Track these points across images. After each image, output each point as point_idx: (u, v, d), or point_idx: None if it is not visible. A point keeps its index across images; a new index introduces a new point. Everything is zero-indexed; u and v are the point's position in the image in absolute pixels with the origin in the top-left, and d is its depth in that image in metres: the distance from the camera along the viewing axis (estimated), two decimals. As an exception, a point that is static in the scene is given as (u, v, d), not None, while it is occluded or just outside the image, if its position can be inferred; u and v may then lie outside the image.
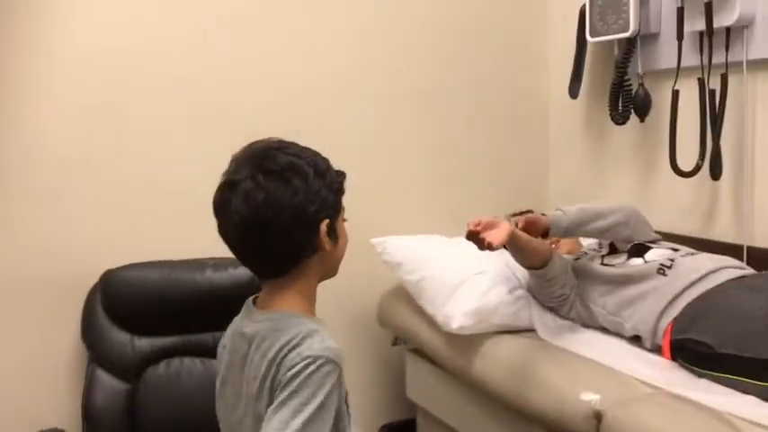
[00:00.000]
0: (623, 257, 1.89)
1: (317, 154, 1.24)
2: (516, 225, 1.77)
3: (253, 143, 1.24)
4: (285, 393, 1.11)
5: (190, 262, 2.01)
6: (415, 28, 2.40)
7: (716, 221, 2.07)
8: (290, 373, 1.12)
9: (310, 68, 2.26)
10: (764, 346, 1.43)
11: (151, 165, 2.09)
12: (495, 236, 1.61)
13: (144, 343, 1.95)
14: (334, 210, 1.23)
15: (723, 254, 1.87)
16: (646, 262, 1.81)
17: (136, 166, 2.08)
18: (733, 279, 1.67)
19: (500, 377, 1.78)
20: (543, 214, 1.85)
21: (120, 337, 1.94)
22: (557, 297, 1.89)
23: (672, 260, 1.77)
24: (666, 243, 1.92)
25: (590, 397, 1.49)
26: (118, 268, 1.97)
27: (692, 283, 1.68)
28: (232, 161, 1.23)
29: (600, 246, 2.02)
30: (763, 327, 1.46)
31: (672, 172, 2.06)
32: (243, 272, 1.97)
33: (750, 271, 1.75)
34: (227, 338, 1.33)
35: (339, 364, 1.15)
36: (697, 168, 2.01)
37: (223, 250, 2.03)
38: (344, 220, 1.29)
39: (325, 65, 2.28)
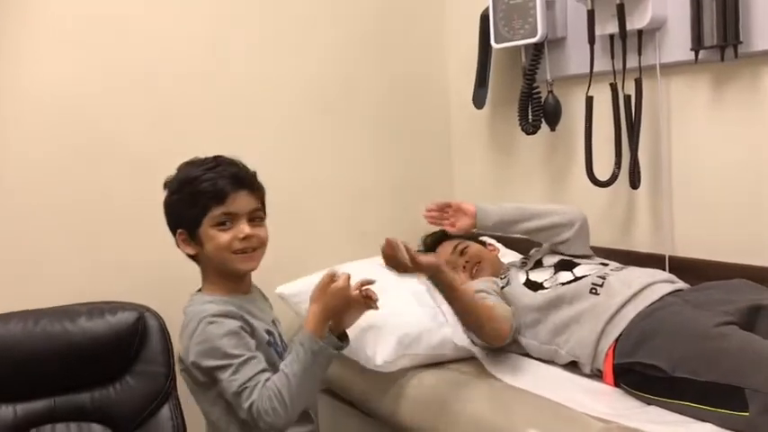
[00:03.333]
0: (550, 272, 1.76)
1: (194, 167, 1.49)
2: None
3: None
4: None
5: (58, 310, 1.71)
6: (309, 37, 2.22)
7: (635, 231, 2.00)
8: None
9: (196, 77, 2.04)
10: (723, 369, 1.32)
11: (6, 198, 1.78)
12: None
13: (6, 411, 1.63)
14: (188, 221, 1.48)
15: (645, 264, 1.80)
16: (576, 277, 1.69)
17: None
18: (669, 294, 1.58)
19: (427, 418, 1.61)
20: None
21: (-26, 407, 1.61)
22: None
23: (602, 277, 1.66)
24: (596, 258, 1.82)
25: (537, 438, 1.34)
26: (-31, 324, 1.64)
27: (628, 300, 1.57)
28: None
29: (525, 260, 1.89)
30: (720, 347, 1.35)
31: (586, 182, 1.97)
32: (122, 318, 1.73)
33: (682, 284, 1.66)
34: None
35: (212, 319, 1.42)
36: (614, 177, 1.92)
37: (97, 293, 1.79)
38: (222, 225, 1.47)
39: (217, 73, 2.07)
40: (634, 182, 1.90)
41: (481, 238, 2.14)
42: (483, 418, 1.49)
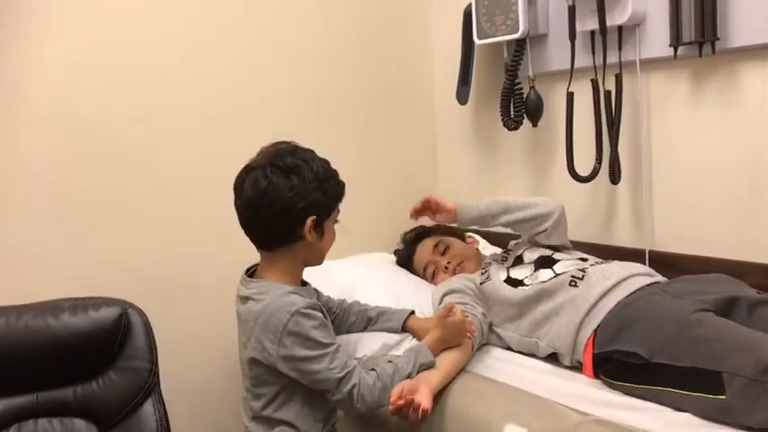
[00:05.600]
0: (530, 269, 1.78)
1: (324, 163, 1.54)
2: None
3: (277, 143, 1.55)
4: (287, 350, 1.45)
5: (40, 305, 1.70)
6: (296, 34, 2.22)
7: (616, 226, 2.02)
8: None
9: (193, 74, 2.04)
10: (701, 354, 1.34)
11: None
12: (423, 401, 1.43)
13: (-13, 406, 1.63)
14: (324, 211, 1.53)
15: (625, 259, 1.82)
16: (556, 274, 1.71)
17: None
18: (648, 285, 1.60)
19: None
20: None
21: (-46, 403, 1.61)
22: None
23: (582, 270, 1.68)
24: (576, 252, 1.83)
25: (516, 430, 1.35)
26: (-51, 319, 1.63)
27: (607, 291, 1.59)
28: (258, 152, 1.53)
29: (506, 255, 1.90)
30: (698, 333, 1.37)
31: (567, 177, 1.99)
32: (105, 313, 1.72)
33: (661, 278, 1.69)
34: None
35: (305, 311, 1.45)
36: (595, 173, 1.94)
37: (80, 289, 1.80)
38: (336, 221, 1.58)
39: (210, 69, 2.06)
40: (614, 177, 1.92)
41: (461, 232, 2.16)
42: (462, 411, 1.50)
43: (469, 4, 2.16)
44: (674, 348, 1.38)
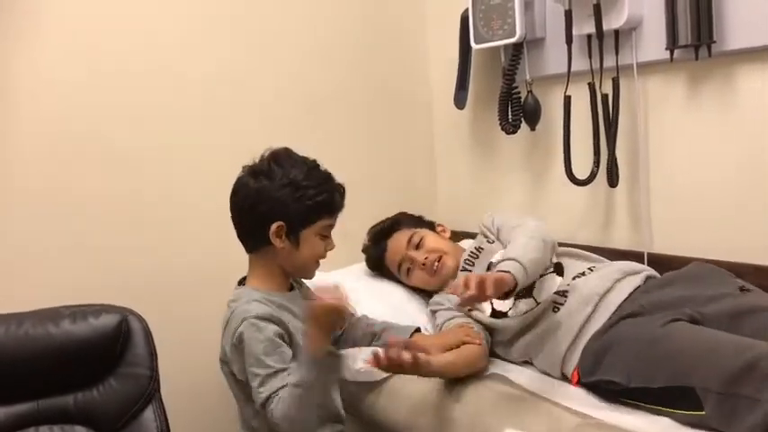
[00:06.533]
0: (511, 299, 1.72)
1: (312, 172, 1.52)
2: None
3: (277, 148, 1.57)
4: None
5: (41, 313, 1.70)
6: (294, 37, 2.23)
7: (614, 229, 2.02)
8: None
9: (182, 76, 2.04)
10: (671, 372, 1.35)
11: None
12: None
13: (-12, 415, 1.63)
14: (296, 219, 1.50)
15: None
16: (537, 303, 1.69)
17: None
18: (627, 299, 1.61)
19: (409, 417, 1.62)
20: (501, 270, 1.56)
21: (-44, 411, 1.61)
22: None
23: (562, 294, 1.67)
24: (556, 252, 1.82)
25: (516, 433, 1.36)
26: (-50, 327, 1.63)
27: (585, 322, 1.60)
28: None
29: (474, 257, 1.89)
30: (666, 350, 1.38)
31: (566, 180, 1.99)
32: (105, 321, 1.72)
33: (643, 275, 1.70)
34: None
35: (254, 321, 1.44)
36: (593, 175, 1.95)
37: (80, 296, 1.80)
38: (324, 236, 1.54)
39: (203, 69, 2.07)
40: (612, 180, 1.92)
41: (429, 220, 2.14)
42: (462, 414, 1.50)
43: (466, 9, 2.16)
44: (646, 370, 1.39)
